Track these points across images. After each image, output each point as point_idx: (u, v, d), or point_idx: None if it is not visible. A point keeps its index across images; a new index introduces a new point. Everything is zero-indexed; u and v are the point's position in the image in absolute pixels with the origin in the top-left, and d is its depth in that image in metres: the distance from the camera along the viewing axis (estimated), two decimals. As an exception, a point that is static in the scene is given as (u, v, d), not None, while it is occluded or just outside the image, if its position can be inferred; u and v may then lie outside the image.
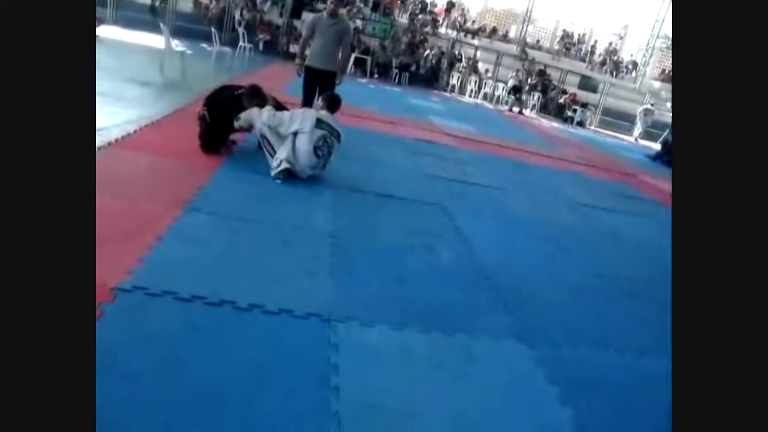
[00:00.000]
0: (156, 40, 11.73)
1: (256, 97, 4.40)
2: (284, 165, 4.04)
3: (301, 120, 4.07)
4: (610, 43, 21.28)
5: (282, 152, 4.06)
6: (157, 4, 16.59)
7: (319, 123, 4.08)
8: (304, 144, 4.04)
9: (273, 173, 4.09)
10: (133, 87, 6.54)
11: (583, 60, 20.73)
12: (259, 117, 4.13)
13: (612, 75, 20.18)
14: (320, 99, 4.47)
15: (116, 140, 4.20)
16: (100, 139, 4.12)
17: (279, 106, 4.46)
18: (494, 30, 20.56)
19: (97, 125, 4.48)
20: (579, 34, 21.48)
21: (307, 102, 5.73)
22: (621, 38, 21.52)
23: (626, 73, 20.73)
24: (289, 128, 4.06)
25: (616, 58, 20.84)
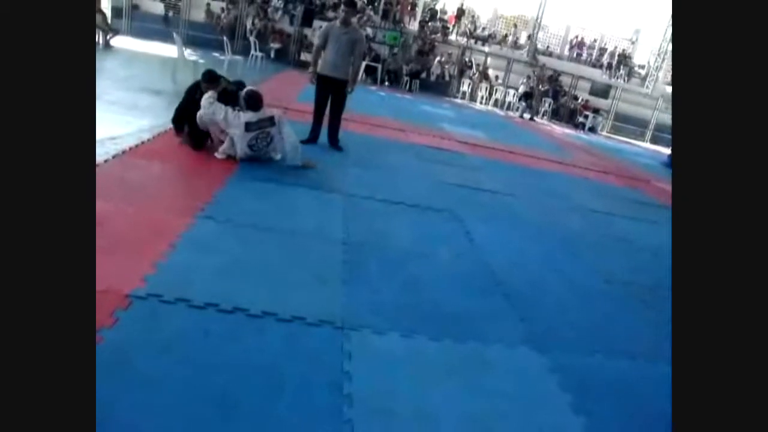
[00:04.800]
0: (169, 50, 11.89)
1: (211, 82, 4.52)
2: (223, 156, 4.48)
3: (233, 124, 4.33)
4: (623, 50, 21.16)
5: (224, 145, 4.47)
6: (170, 14, 16.80)
7: (248, 126, 4.32)
8: (239, 142, 4.37)
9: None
10: (146, 96, 6.62)
11: (594, 65, 20.65)
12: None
13: (624, 80, 20.07)
14: (241, 99, 4.47)
15: (130, 148, 4.25)
16: (114, 148, 4.18)
17: (226, 93, 4.55)
18: (505, 37, 20.55)
19: (112, 134, 4.54)
20: (590, 40, 21.40)
21: (319, 110, 5.76)
22: (633, 43, 21.39)
23: (639, 78, 20.61)
24: (226, 127, 4.36)
25: (628, 63, 20.72)
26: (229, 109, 4.34)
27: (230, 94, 4.57)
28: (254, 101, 4.40)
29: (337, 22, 5.59)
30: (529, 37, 19.89)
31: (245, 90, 4.58)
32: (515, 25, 21.15)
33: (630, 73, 20.58)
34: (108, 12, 13.92)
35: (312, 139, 5.78)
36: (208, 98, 4.34)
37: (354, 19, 5.92)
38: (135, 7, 16.27)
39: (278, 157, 4.63)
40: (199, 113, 4.41)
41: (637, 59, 21.50)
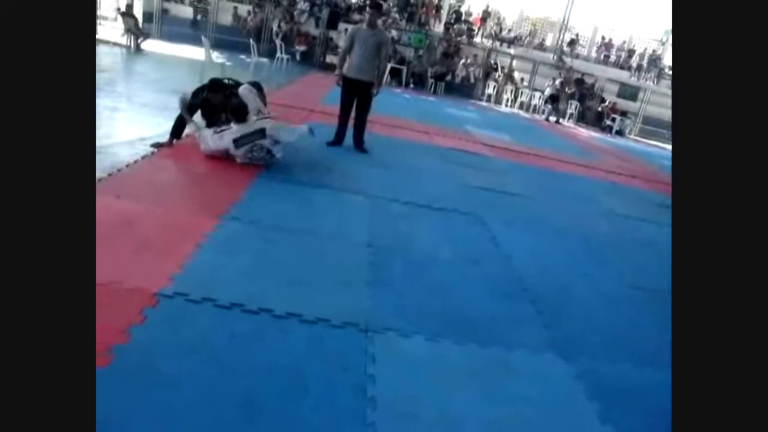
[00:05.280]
0: (197, 53, 12.07)
1: (214, 91, 4.51)
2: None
3: (223, 144, 4.26)
4: (653, 51, 20.75)
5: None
6: (198, 18, 17.09)
7: (237, 143, 4.21)
8: (237, 157, 4.30)
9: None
10: (175, 97, 6.72)
11: (622, 67, 20.30)
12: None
13: (653, 82, 19.68)
14: (228, 115, 4.41)
15: (159, 149, 4.33)
16: (144, 148, 4.26)
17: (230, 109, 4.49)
18: (529, 34, 20.35)
19: (142, 134, 4.63)
20: (618, 41, 21.06)
21: (345, 112, 5.78)
22: (663, 44, 20.96)
23: (669, 79, 20.17)
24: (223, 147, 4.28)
25: (657, 64, 20.31)
26: (212, 133, 4.32)
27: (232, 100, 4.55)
28: (237, 114, 4.30)
29: (364, 25, 5.61)
30: (571, 42, 19.63)
31: (231, 106, 4.45)
32: (534, 25, 20.90)
33: (660, 75, 20.17)
34: (139, 16, 14.21)
35: (337, 141, 5.81)
36: (194, 132, 4.39)
37: (379, 22, 5.93)
38: (165, 11, 16.58)
39: (280, 155, 4.49)
40: (203, 149, 4.41)
41: (668, 60, 21.05)
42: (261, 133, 4.27)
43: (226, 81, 4.75)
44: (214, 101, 4.52)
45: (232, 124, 4.27)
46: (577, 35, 20.24)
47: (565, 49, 19.65)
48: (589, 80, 18.34)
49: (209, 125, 4.56)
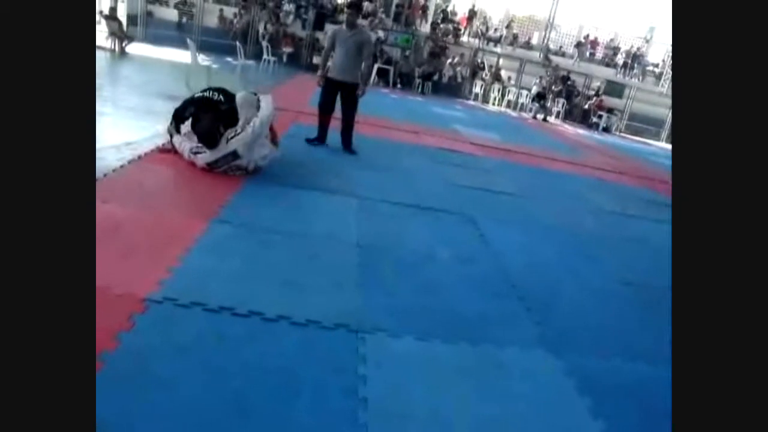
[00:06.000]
0: (183, 56, 12.00)
1: (206, 111, 4.30)
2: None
3: (198, 164, 4.18)
4: (637, 48, 20.94)
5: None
6: (183, 20, 16.99)
7: (211, 166, 4.13)
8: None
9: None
10: (161, 101, 6.68)
11: (608, 65, 20.48)
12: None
13: (639, 79, 19.87)
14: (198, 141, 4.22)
15: (146, 153, 4.30)
16: (131, 153, 4.22)
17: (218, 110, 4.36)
18: (515, 37, 20.47)
19: (128, 139, 4.60)
20: (604, 39, 21.24)
21: (323, 111, 5.75)
22: (647, 41, 21.18)
23: (654, 76, 20.39)
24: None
25: (642, 61, 20.52)
26: (189, 149, 4.21)
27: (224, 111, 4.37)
28: (207, 140, 4.12)
29: (344, 26, 5.60)
30: (578, 44, 19.74)
31: (199, 132, 4.26)
32: (511, 21, 20.95)
33: (644, 72, 20.37)
34: (123, 19, 14.10)
35: (318, 139, 5.79)
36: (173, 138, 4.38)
37: (366, 22, 5.93)
38: (149, 14, 16.47)
39: (264, 162, 4.40)
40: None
41: (652, 57, 21.29)
42: (233, 155, 4.12)
43: (214, 97, 4.46)
44: (203, 120, 4.23)
45: (205, 149, 4.15)
46: (585, 37, 20.44)
47: (573, 51, 19.86)
48: (581, 80, 18.52)
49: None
